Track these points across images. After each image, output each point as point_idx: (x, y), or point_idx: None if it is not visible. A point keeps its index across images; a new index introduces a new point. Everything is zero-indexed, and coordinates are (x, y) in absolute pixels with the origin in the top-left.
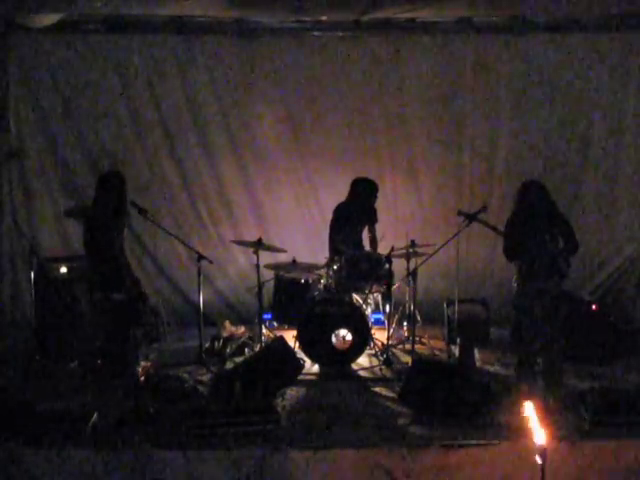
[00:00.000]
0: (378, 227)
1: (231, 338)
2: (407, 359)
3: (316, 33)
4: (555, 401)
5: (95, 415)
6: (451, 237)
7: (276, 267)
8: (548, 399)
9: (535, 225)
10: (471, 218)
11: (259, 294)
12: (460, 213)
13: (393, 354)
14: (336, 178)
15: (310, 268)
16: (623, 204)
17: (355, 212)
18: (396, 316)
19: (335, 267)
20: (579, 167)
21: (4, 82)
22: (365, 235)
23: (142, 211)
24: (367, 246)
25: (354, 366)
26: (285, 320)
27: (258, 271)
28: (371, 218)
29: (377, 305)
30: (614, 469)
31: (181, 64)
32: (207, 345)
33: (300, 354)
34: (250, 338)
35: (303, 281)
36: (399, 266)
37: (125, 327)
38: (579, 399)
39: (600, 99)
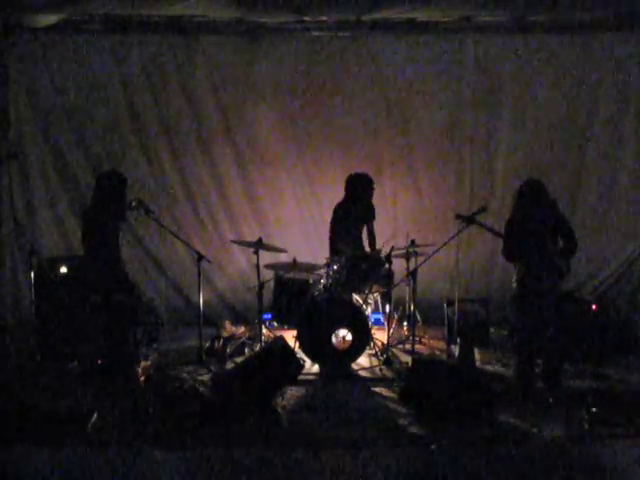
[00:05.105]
0: (379, 226)
1: (231, 338)
2: (407, 359)
3: (316, 33)
4: (555, 401)
5: (95, 415)
6: (450, 238)
7: (276, 267)
8: (548, 399)
9: (534, 225)
10: (469, 220)
11: (259, 294)
12: (458, 217)
13: (393, 354)
14: (336, 178)
15: (310, 268)
16: (623, 204)
17: (353, 210)
18: (396, 316)
19: (335, 267)
20: (579, 167)
21: (4, 82)
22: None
23: (148, 211)
24: (366, 245)
25: (354, 366)
26: (285, 320)
27: (258, 271)
28: (369, 215)
29: (377, 305)
30: (614, 469)
31: (181, 64)
32: (207, 345)
33: (300, 354)
34: (250, 338)
35: (303, 281)
36: (399, 266)
37: (125, 327)
38: (579, 399)
39: (600, 99)
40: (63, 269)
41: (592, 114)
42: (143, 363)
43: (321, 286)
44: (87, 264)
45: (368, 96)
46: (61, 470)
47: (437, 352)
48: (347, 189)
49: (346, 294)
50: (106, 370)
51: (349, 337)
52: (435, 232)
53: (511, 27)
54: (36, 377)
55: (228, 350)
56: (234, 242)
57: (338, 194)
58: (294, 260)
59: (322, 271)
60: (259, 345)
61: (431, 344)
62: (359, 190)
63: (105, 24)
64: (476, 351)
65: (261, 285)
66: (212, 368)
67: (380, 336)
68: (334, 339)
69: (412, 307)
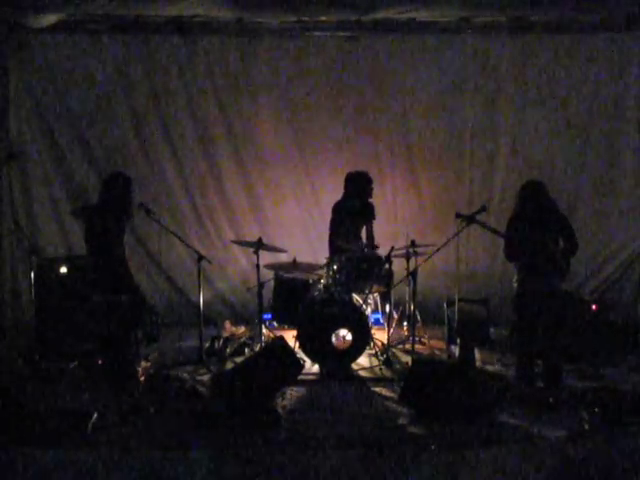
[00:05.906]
0: (379, 226)
1: (231, 338)
2: (407, 359)
3: (316, 33)
4: (555, 401)
5: (95, 415)
6: (450, 238)
7: (276, 267)
8: (548, 399)
9: (535, 225)
10: (469, 220)
11: (259, 294)
12: (458, 216)
13: (393, 354)
14: (336, 178)
15: (310, 268)
16: (623, 204)
17: (352, 208)
18: (396, 316)
19: (335, 267)
20: (579, 167)
21: (4, 82)
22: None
23: (149, 212)
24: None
25: (354, 366)
26: (285, 320)
27: (258, 271)
28: (368, 214)
29: (377, 305)
30: (614, 469)
31: (181, 64)
32: (207, 345)
33: (300, 354)
34: (250, 338)
35: (303, 281)
36: (399, 266)
37: (125, 327)
38: (579, 399)
39: (600, 99)
40: (63, 269)
41: (592, 114)
42: (143, 363)
43: (321, 286)
44: (91, 264)
45: (368, 96)
46: (61, 470)
47: (437, 352)
48: (346, 187)
49: (346, 294)
50: (106, 370)
51: (349, 337)
52: (435, 232)
53: (511, 27)
54: (36, 377)
55: (228, 350)
56: (234, 242)
57: (338, 194)
58: (294, 260)
59: (322, 271)
60: (259, 345)
61: (431, 344)
62: (358, 188)
63: (105, 24)
64: (476, 351)
65: (261, 285)
66: (212, 368)
67: (380, 336)
68: (334, 339)
69: (412, 307)
